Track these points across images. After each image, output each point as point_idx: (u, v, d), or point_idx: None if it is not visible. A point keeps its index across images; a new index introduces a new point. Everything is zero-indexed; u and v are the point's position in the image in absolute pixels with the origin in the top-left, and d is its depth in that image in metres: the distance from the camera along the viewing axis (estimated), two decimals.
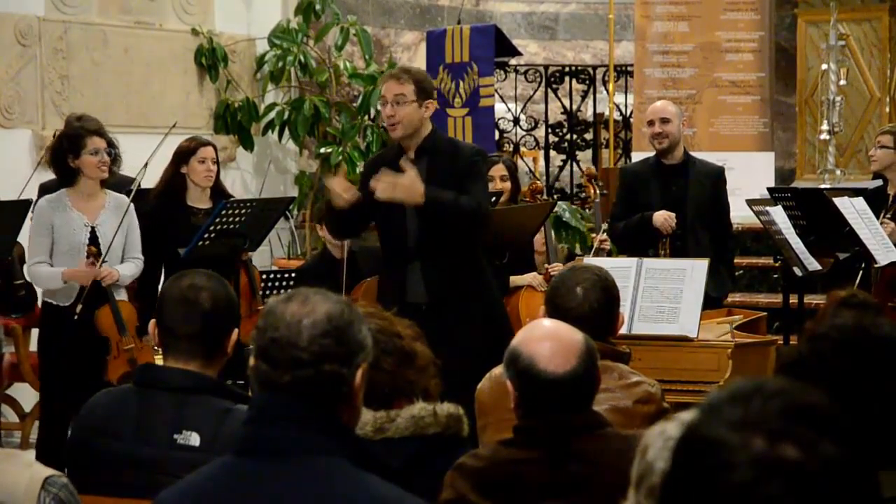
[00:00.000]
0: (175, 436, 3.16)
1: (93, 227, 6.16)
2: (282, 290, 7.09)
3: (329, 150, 9.84)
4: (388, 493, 2.29)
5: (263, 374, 2.34)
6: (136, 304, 6.51)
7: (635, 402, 3.71)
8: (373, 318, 3.03)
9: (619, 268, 5.83)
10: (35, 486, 2.68)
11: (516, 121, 11.49)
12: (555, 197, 10.37)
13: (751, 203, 6.82)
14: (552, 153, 11.59)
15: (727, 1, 10.12)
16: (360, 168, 9.50)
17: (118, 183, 6.66)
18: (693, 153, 7.38)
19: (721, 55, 10.11)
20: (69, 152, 6.11)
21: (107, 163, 6.14)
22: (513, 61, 10.88)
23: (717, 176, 7.09)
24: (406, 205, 5.41)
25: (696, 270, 5.90)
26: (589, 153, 11.54)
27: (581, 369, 2.99)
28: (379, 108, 6.45)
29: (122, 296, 6.36)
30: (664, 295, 5.87)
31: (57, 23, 8.78)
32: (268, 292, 7.03)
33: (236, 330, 3.31)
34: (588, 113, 11.57)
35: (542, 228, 7.00)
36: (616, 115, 11.04)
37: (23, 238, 6.46)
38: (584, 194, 10.23)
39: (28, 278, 6.27)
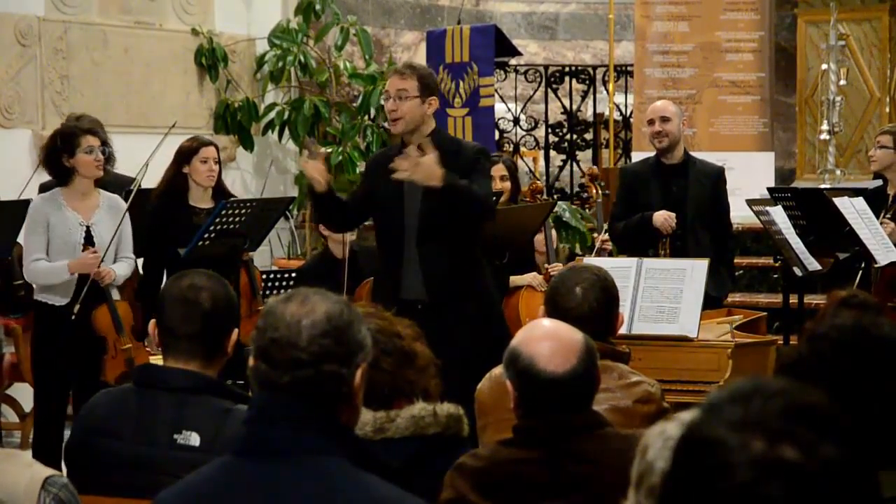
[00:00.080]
0: (175, 436, 3.16)
1: (88, 227, 6.14)
2: (282, 291, 7.09)
3: (329, 150, 9.84)
4: (387, 493, 2.29)
5: (263, 374, 2.34)
6: (137, 304, 6.52)
7: (635, 402, 3.71)
8: (373, 318, 3.03)
9: (619, 268, 5.83)
10: (35, 486, 2.68)
11: (516, 121, 11.49)
12: (555, 197, 10.36)
13: (751, 203, 6.82)
14: (552, 153, 11.59)
15: (727, 1, 10.12)
16: (360, 168, 9.51)
17: (117, 183, 6.67)
18: (693, 153, 7.38)
19: (721, 55, 10.11)
20: (63, 151, 6.10)
21: (101, 161, 6.14)
22: (513, 61, 10.88)
23: (717, 176, 7.09)
24: (424, 186, 5.41)
25: (696, 270, 5.90)
26: (589, 153, 11.54)
27: (581, 369, 2.99)
28: (382, 102, 6.46)
29: (115, 296, 6.36)
30: (664, 295, 5.87)
31: (57, 23, 8.78)
32: (268, 292, 7.03)
33: (236, 330, 3.31)
34: (588, 113, 11.57)
35: (543, 228, 7.00)
36: (616, 115, 11.04)
37: (22, 238, 6.45)
38: (585, 194, 10.23)
39: (27, 276, 6.24)
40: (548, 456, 2.96)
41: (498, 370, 3.47)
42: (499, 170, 6.83)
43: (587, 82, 11.48)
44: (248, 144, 9.84)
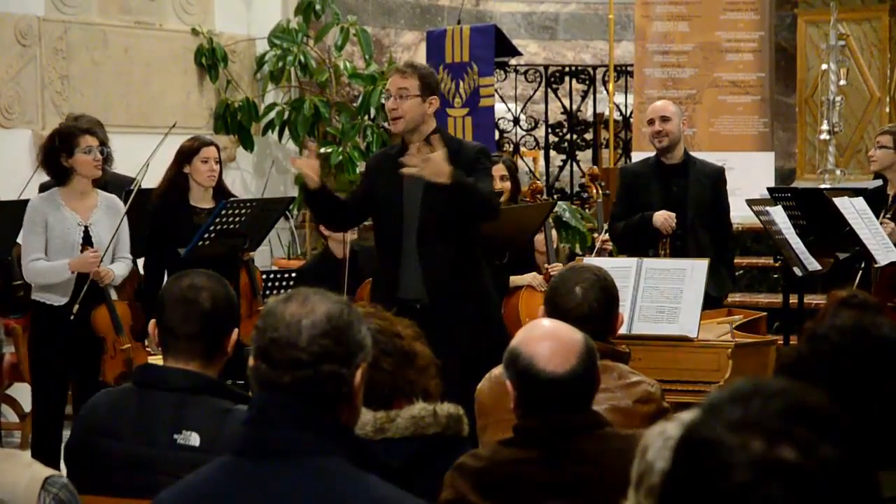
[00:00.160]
0: (175, 436, 3.16)
1: (86, 227, 6.13)
2: (282, 291, 7.09)
3: (329, 150, 9.84)
4: (387, 493, 2.29)
5: (263, 374, 2.34)
6: (136, 304, 6.51)
7: (635, 402, 3.71)
8: (373, 318, 3.03)
9: (619, 268, 5.83)
10: (35, 485, 2.68)
11: (516, 121, 11.49)
12: (555, 197, 10.37)
13: (751, 203, 6.82)
14: (552, 153, 11.59)
15: (727, 1, 10.12)
16: (360, 168, 9.51)
17: (117, 183, 6.67)
18: (693, 153, 7.38)
19: (721, 55, 10.11)
20: (62, 151, 6.08)
21: (100, 161, 6.12)
22: (513, 61, 10.88)
23: (717, 176, 7.09)
24: (425, 186, 5.42)
25: (696, 270, 5.90)
26: (589, 153, 11.54)
27: (580, 369, 2.99)
28: (383, 101, 6.47)
29: (113, 296, 6.35)
30: (664, 295, 5.87)
31: (57, 23, 8.78)
32: (268, 292, 7.03)
33: (236, 330, 3.31)
34: (588, 113, 11.58)
35: (543, 228, 7.00)
36: (616, 115, 11.04)
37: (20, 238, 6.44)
38: (585, 194, 10.23)
39: (25, 276, 6.22)
40: (548, 456, 2.96)
41: (498, 370, 3.47)
42: (499, 170, 6.83)
43: (587, 82, 11.49)
44: (248, 144, 9.84)
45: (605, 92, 11.14)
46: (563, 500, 2.94)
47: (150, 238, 6.54)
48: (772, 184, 9.16)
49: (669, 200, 6.92)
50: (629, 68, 11.01)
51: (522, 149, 11.47)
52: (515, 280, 6.76)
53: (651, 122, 7.06)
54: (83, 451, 3.26)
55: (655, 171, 7.05)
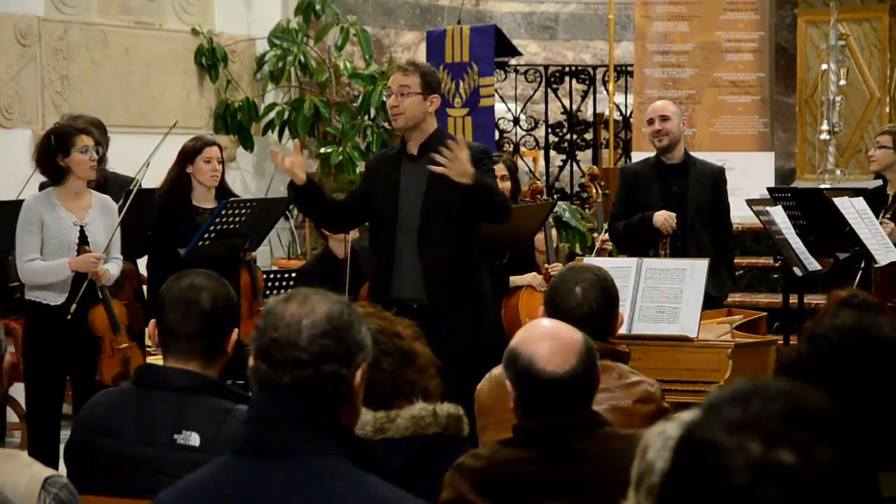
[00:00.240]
0: (175, 436, 3.16)
1: (82, 227, 6.12)
2: (282, 291, 7.09)
3: (329, 150, 9.84)
4: (387, 493, 2.29)
5: (263, 374, 2.34)
6: (135, 304, 6.51)
7: (635, 402, 3.71)
8: (373, 318, 3.03)
9: (619, 268, 5.83)
10: (35, 485, 2.68)
11: (516, 121, 11.49)
12: (555, 197, 10.37)
13: (751, 203, 6.82)
14: (552, 153, 11.60)
15: (727, 1, 10.12)
16: (360, 168, 9.51)
17: (117, 182, 6.66)
18: (693, 153, 7.38)
19: (721, 55, 10.11)
20: (58, 151, 6.05)
21: (95, 161, 6.11)
22: (513, 61, 10.88)
23: (717, 176, 7.09)
24: (425, 186, 5.46)
25: (696, 270, 5.90)
26: (589, 153, 11.54)
27: (580, 369, 2.99)
28: (384, 99, 6.47)
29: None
30: (664, 295, 5.87)
31: (57, 23, 8.78)
32: (268, 292, 7.03)
33: (236, 330, 3.31)
34: (588, 113, 11.58)
35: (543, 228, 7.00)
36: (616, 115, 11.04)
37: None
38: (585, 194, 10.23)
39: (22, 276, 6.20)
40: (547, 456, 2.96)
41: (498, 370, 3.47)
42: (499, 169, 6.82)
43: (587, 82, 11.49)
44: (248, 144, 9.84)
45: (605, 92, 11.14)
46: (563, 500, 2.94)
47: (152, 238, 6.54)
48: (772, 184, 9.16)
49: (669, 200, 6.92)
50: (629, 68, 11.01)
51: (522, 149, 11.47)
52: (515, 280, 6.76)
53: (651, 121, 7.06)
54: (83, 451, 3.27)
55: (655, 170, 7.05)
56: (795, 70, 10.26)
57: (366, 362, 2.38)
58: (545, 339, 3.02)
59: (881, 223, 6.75)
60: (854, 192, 6.87)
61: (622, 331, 4.31)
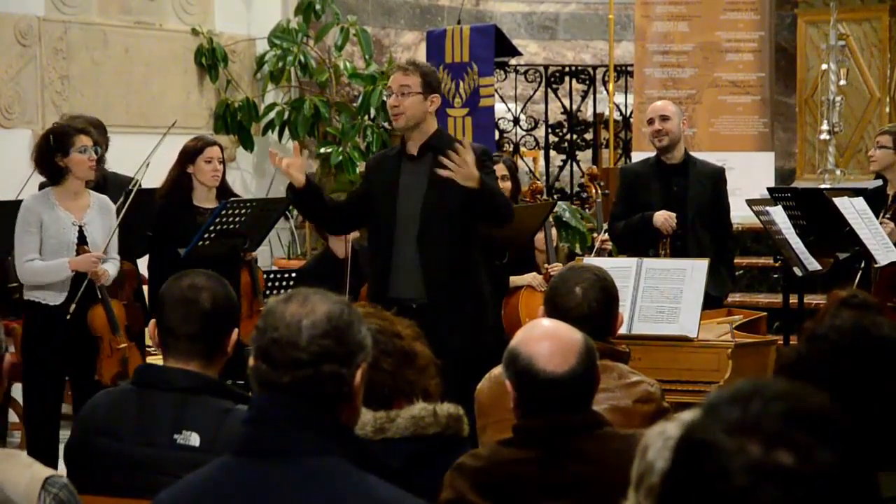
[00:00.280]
0: (175, 436, 3.16)
1: (80, 227, 6.12)
2: (282, 291, 7.09)
3: (329, 150, 9.84)
4: (387, 493, 2.29)
5: (263, 374, 2.34)
6: (135, 304, 6.51)
7: (635, 402, 3.71)
8: (373, 318, 3.03)
9: (619, 268, 5.83)
10: (35, 486, 2.68)
11: (516, 121, 11.49)
12: (555, 197, 10.37)
13: (751, 203, 6.82)
14: (552, 153, 11.60)
15: (727, 1, 10.12)
16: (360, 168, 9.51)
17: (117, 182, 6.66)
18: (693, 153, 7.38)
19: (721, 55, 10.11)
20: (57, 151, 6.05)
21: (94, 161, 6.10)
22: (513, 61, 10.88)
23: (717, 176, 7.09)
24: (426, 187, 5.47)
25: (696, 270, 5.90)
26: (589, 153, 11.54)
27: (580, 369, 2.99)
28: (385, 98, 6.47)
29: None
30: (664, 295, 5.87)
31: (57, 23, 8.78)
32: (268, 292, 7.03)
33: (236, 330, 3.31)
34: (588, 113, 11.58)
35: (543, 228, 7.00)
36: (616, 115, 11.04)
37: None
38: (585, 194, 10.23)
39: (21, 276, 6.20)
40: (547, 456, 2.96)
41: (498, 370, 3.47)
42: (499, 169, 6.82)
43: (587, 82, 11.49)
44: (248, 144, 9.84)
45: (605, 92, 11.14)
46: (562, 500, 2.94)
47: (153, 238, 6.53)
48: (772, 184, 9.16)
49: (669, 200, 6.92)
50: (629, 68, 11.01)
51: (522, 149, 11.47)
52: (515, 280, 6.76)
53: (651, 121, 7.06)
54: (83, 451, 3.27)
55: (656, 170, 7.05)
56: (795, 70, 10.26)
57: (366, 362, 2.38)
58: (545, 339, 3.02)
59: (881, 223, 6.75)
60: (854, 192, 6.87)
61: (622, 331, 4.31)
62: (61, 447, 5.03)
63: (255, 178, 10.17)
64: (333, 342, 2.32)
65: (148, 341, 6.33)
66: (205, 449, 3.08)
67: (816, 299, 7.89)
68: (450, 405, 3.07)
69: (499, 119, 10.72)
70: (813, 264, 6.81)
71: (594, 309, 3.79)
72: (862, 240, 6.51)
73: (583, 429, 3.00)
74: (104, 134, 6.75)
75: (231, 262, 6.36)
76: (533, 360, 2.97)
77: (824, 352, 2.21)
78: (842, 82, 9.39)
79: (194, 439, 3.14)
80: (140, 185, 6.48)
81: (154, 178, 6.73)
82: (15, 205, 6.36)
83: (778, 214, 6.78)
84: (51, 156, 6.05)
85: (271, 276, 7.41)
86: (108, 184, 6.56)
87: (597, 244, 7.29)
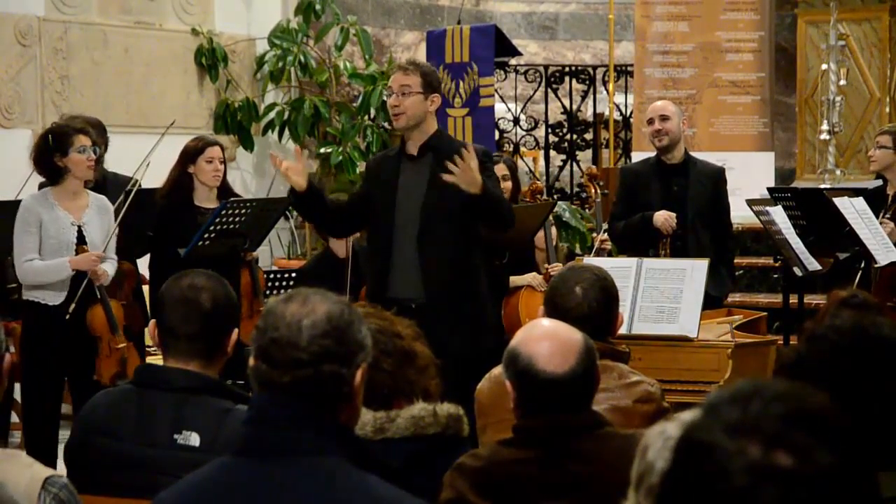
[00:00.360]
0: (175, 436, 3.16)
1: (79, 227, 6.12)
2: (282, 291, 7.09)
3: (329, 150, 9.84)
4: (387, 493, 2.29)
5: (263, 374, 2.34)
6: (135, 303, 6.51)
7: (635, 402, 3.71)
8: (373, 318, 3.03)
9: (619, 268, 5.83)
10: (35, 486, 2.68)
11: (516, 121, 11.49)
12: (555, 197, 10.37)
13: (751, 203, 6.82)
14: (552, 153, 11.60)
15: (727, 1, 10.12)
16: (360, 168, 9.51)
17: (117, 182, 6.66)
18: (693, 153, 7.38)
19: (721, 55, 10.11)
20: (56, 151, 6.05)
21: (93, 161, 6.10)
22: (513, 61, 10.88)
23: (717, 176, 7.09)
24: (426, 188, 5.47)
25: (696, 270, 5.90)
26: (589, 153, 11.54)
27: (580, 369, 2.99)
28: (385, 98, 6.47)
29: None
30: (664, 295, 5.87)
31: (57, 23, 8.78)
32: (268, 292, 7.03)
33: (236, 330, 3.31)
34: (588, 113, 11.58)
35: (543, 228, 7.00)
36: (616, 115, 11.04)
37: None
38: (585, 194, 10.23)
39: (20, 276, 6.19)
40: (547, 456, 2.96)
41: (498, 370, 3.47)
42: (499, 169, 6.82)
43: (587, 82, 11.49)
44: (248, 144, 9.85)
45: (605, 92, 11.14)
46: (562, 500, 2.94)
47: (154, 238, 6.53)
48: (772, 184, 9.16)
49: (670, 200, 6.92)
50: (629, 68, 11.01)
51: (522, 149, 11.47)
52: (515, 280, 6.76)
53: (651, 121, 7.06)
54: (83, 451, 3.27)
55: (656, 170, 7.05)
56: (795, 70, 10.26)
57: (366, 362, 2.38)
58: (545, 339, 3.02)
59: (881, 223, 6.75)
60: (854, 192, 6.87)
61: (622, 331, 4.31)
62: (61, 447, 5.03)
63: (255, 178, 10.17)
64: (333, 342, 2.32)
65: (148, 341, 6.33)
66: (205, 449, 3.08)
67: (816, 299, 7.89)
68: (450, 405, 3.07)
69: (499, 119, 10.72)
70: (813, 264, 6.81)
71: (594, 309, 3.79)
72: (862, 240, 6.51)
73: (583, 429, 3.00)
74: (103, 134, 6.75)
75: (231, 262, 6.36)
76: (533, 361, 2.97)
77: (824, 352, 2.21)
78: (842, 82, 9.39)
79: (194, 439, 3.14)
80: (140, 185, 6.48)
81: (154, 178, 6.73)
82: (14, 205, 6.36)
83: (778, 214, 6.78)
84: (49, 156, 6.05)
85: (271, 276, 7.41)
86: (107, 184, 6.56)
87: (596, 244, 7.29)
